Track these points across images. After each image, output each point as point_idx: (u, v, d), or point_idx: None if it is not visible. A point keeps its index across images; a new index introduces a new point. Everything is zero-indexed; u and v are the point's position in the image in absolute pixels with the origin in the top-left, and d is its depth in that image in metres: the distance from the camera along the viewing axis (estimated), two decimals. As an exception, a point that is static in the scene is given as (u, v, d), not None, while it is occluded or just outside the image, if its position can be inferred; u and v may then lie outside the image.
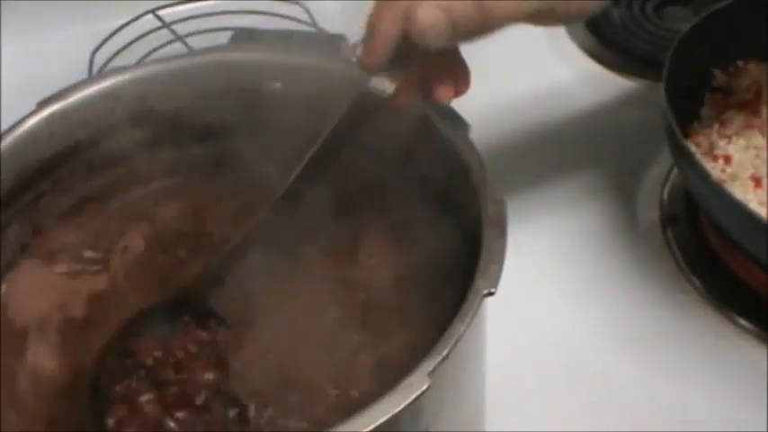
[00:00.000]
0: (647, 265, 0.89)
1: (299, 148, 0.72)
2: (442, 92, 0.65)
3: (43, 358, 0.67)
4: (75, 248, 0.73)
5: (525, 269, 0.77)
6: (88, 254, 0.73)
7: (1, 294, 0.69)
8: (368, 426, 0.49)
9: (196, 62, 0.73)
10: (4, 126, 0.68)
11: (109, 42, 1.06)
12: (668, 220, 0.92)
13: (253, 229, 0.67)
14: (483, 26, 0.61)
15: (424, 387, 0.51)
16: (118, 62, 1.01)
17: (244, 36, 1.01)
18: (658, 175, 0.96)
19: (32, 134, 0.68)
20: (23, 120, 0.68)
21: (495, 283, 0.56)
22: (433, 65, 0.64)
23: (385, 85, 0.64)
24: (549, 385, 0.79)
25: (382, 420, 0.50)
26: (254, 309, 0.67)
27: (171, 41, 1.06)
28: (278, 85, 0.72)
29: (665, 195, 0.94)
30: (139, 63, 0.84)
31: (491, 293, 0.56)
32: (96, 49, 1.05)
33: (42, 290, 0.71)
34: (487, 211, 0.60)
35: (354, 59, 0.92)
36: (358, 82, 0.64)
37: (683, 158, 0.82)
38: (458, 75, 0.65)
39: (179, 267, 0.72)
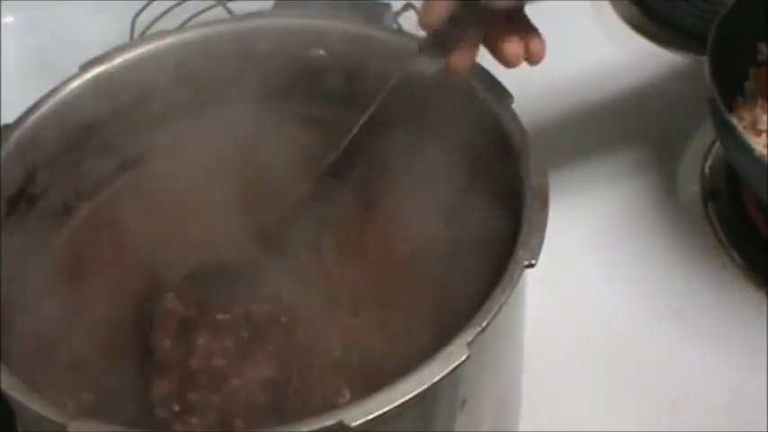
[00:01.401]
0: (687, 240, 0.88)
1: (340, 115, 0.72)
2: (509, 48, 0.61)
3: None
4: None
5: (565, 241, 0.77)
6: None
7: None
8: (406, 394, 0.49)
9: (238, 27, 0.73)
10: (47, 89, 0.68)
11: (150, 7, 1.06)
12: (709, 194, 0.92)
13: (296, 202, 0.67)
14: None
15: (463, 357, 0.51)
16: (158, 27, 1.01)
17: (286, 3, 1.01)
18: (700, 148, 0.96)
19: (76, 96, 0.68)
20: (66, 82, 0.69)
21: (535, 254, 0.56)
22: (499, 27, 0.60)
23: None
24: (587, 358, 0.80)
25: (421, 390, 0.50)
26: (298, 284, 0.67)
27: (212, 6, 1.05)
28: (321, 52, 0.72)
29: (707, 169, 0.94)
30: (182, 27, 0.84)
31: (531, 265, 0.55)
32: (137, 14, 1.05)
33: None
34: (530, 182, 0.59)
35: (396, 27, 0.93)
36: (403, 53, 0.64)
37: (727, 133, 0.81)
38: (528, 36, 0.61)
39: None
